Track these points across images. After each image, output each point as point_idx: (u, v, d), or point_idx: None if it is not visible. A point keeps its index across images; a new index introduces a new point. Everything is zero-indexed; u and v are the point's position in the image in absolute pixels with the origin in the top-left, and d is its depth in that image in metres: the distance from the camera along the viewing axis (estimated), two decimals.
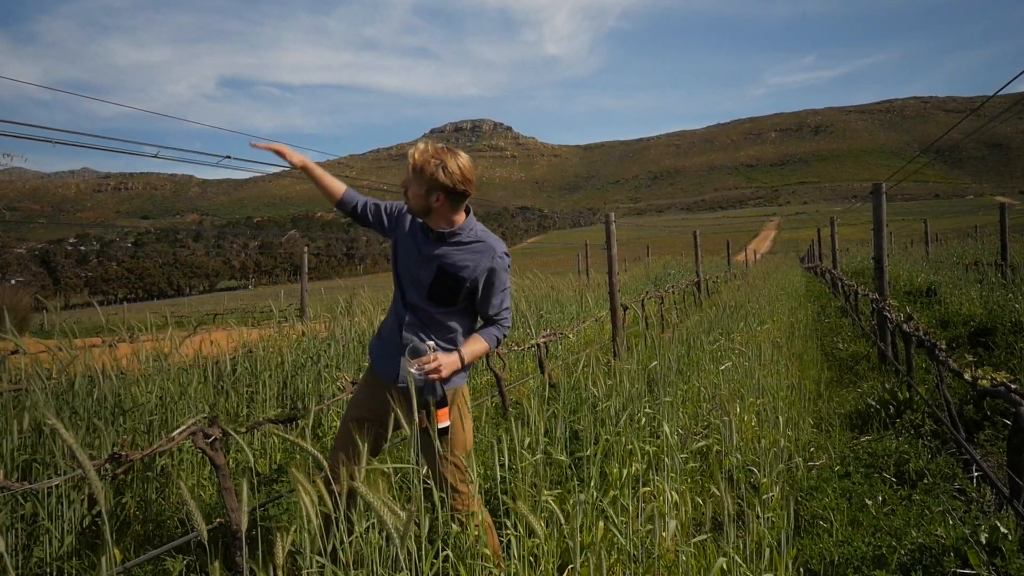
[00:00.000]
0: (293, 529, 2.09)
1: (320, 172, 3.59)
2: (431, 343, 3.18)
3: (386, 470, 3.02)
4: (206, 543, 2.10)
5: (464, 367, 3.30)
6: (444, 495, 3.12)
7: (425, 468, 3.16)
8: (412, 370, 3.06)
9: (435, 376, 3.10)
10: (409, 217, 3.44)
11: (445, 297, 3.31)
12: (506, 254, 3.40)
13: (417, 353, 3.14)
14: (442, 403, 3.13)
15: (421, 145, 3.22)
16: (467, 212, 3.39)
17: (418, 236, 3.37)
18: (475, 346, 3.36)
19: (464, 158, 3.22)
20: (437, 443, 3.06)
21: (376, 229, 3.59)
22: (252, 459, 2.76)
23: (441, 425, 3.13)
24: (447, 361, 3.17)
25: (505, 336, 3.48)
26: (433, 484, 3.12)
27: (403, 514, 2.11)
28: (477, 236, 3.35)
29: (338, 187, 3.63)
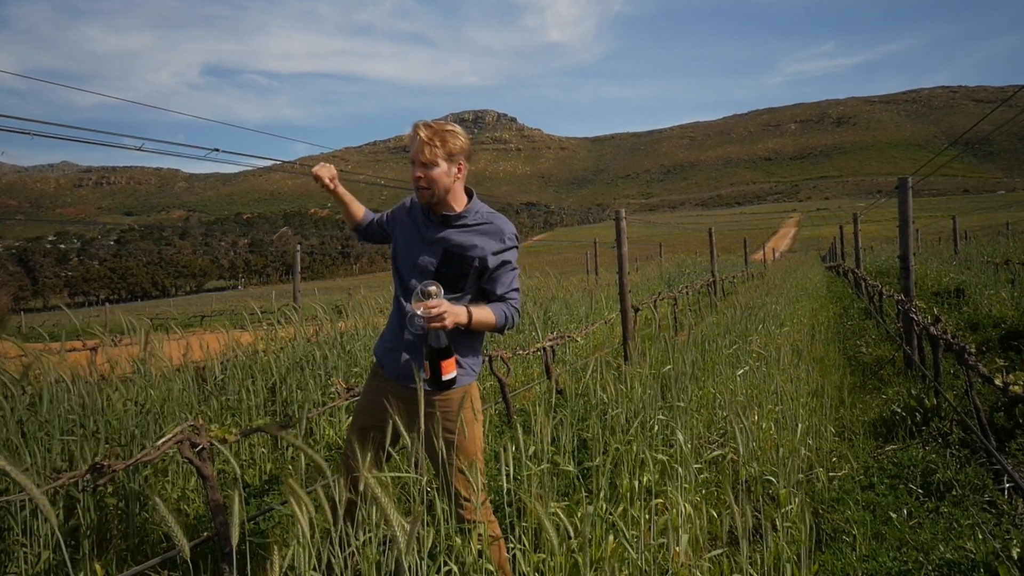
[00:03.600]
0: (290, 550, 2.08)
1: (349, 196, 3.75)
2: (434, 288, 3.13)
3: (386, 480, 3.02)
4: (188, 559, 2.10)
5: (468, 327, 3.23)
6: (450, 504, 3.15)
7: (426, 478, 3.15)
8: (418, 312, 3.04)
9: (438, 324, 3.04)
10: (405, 208, 3.54)
11: (454, 281, 3.33)
12: (515, 235, 3.46)
13: (426, 296, 3.12)
14: (446, 353, 3.09)
15: (418, 124, 3.26)
16: (470, 195, 3.45)
17: (419, 221, 3.43)
18: (483, 312, 3.29)
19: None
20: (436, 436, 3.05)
21: (382, 239, 3.78)
22: (239, 470, 2.76)
23: (446, 376, 3.11)
24: (452, 309, 3.11)
25: (514, 319, 3.43)
26: (437, 492, 3.12)
27: (407, 524, 2.11)
28: (484, 217, 3.40)
29: (359, 210, 3.80)
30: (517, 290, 3.48)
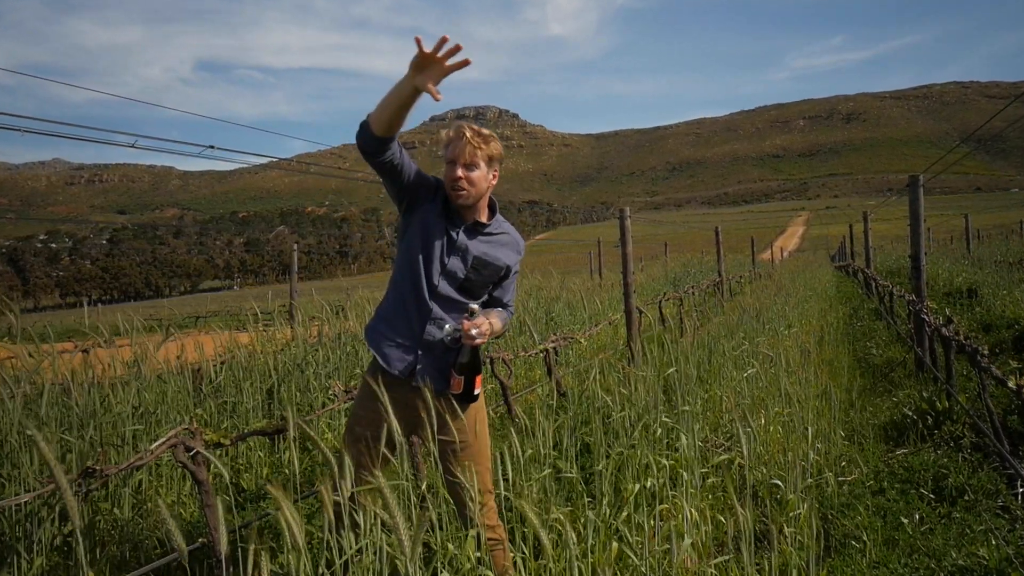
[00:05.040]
0: (264, 547, 2.08)
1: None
2: (475, 306, 3.25)
3: (385, 488, 3.02)
4: (187, 564, 2.10)
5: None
6: (459, 507, 3.22)
7: (425, 483, 3.16)
8: (472, 332, 3.15)
9: (481, 340, 3.18)
10: (436, 194, 3.35)
11: (477, 288, 3.42)
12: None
13: (472, 315, 3.23)
14: (478, 368, 3.25)
15: (462, 124, 3.27)
16: (491, 203, 3.46)
17: (446, 221, 3.36)
18: (497, 322, 3.43)
19: None
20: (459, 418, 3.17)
21: (395, 182, 3.29)
22: (227, 475, 2.76)
23: (477, 391, 3.28)
24: (487, 326, 3.28)
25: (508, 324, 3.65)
26: (434, 496, 3.11)
27: (408, 536, 2.11)
28: (503, 228, 3.49)
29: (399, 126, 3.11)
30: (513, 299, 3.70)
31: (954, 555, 3.86)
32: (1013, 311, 10.80)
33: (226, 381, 6.51)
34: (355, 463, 3.13)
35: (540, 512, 3.31)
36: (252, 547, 1.95)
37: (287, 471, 5.59)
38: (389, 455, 3.03)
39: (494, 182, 3.36)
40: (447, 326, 3.26)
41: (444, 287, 3.33)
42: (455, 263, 3.33)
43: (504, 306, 3.59)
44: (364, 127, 3.05)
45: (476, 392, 3.26)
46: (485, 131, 3.28)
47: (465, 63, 2.87)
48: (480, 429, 3.40)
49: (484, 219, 3.40)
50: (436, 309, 3.31)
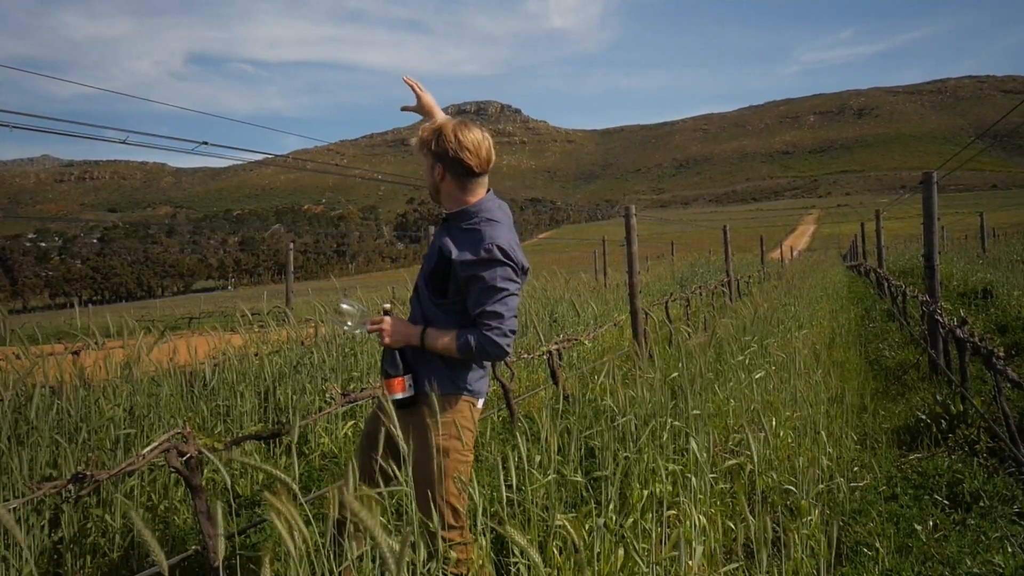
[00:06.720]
0: (269, 558, 2.08)
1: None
2: (387, 306, 3.28)
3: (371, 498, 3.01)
4: (166, 574, 2.10)
5: (424, 349, 3.24)
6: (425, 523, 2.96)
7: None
8: (347, 325, 3.22)
9: (385, 341, 3.20)
10: None
11: (438, 285, 3.29)
12: (499, 248, 3.17)
13: (353, 312, 3.28)
14: (393, 372, 3.20)
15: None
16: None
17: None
18: (443, 334, 3.21)
19: (472, 130, 3.25)
20: (393, 414, 2.85)
21: None
22: (229, 480, 2.76)
23: (396, 396, 3.16)
24: (399, 329, 3.23)
25: (484, 347, 3.17)
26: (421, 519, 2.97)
27: (396, 544, 2.11)
28: (477, 223, 3.26)
29: None
30: (496, 315, 3.17)
31: (969, 563, 3.86)
32: None
33: (220, 384, 6.51)
34: (359, 469, 3.14)
35: (545, 518, 3.31)
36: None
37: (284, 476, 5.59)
38: (386, 463, 3.01)
39: (443, 176, 3.31)
40: (358, 329, 3.34)
41: (420, 279, 3.42)
42: (428, 256, 3.41)
43: (474, 321, 3.21)
44: None
45: (392, 396, 3.11)
46: (434, 126, 3.33)
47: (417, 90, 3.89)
48: (420, 448, 3.08)
49: (452, 210, 3.35)
50: (412, 297, 3.49)
